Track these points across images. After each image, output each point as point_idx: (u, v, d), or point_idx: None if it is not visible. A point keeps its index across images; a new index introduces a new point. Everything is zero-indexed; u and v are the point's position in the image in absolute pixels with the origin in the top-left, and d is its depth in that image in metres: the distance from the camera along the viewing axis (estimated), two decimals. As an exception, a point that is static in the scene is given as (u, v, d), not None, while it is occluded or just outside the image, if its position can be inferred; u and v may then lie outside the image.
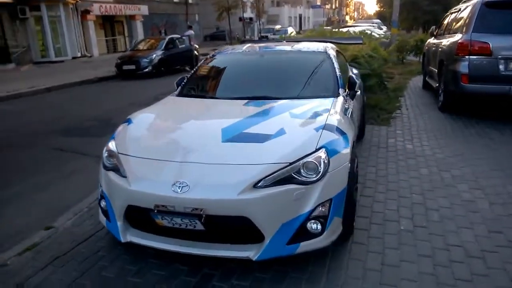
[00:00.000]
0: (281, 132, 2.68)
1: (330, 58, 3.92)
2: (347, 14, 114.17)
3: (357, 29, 12.79)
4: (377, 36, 10.56)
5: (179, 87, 4.01)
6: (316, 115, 2.95)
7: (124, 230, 2.60)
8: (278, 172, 2.35)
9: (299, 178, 2.36)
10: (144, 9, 28.84)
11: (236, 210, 2.31)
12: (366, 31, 11.43)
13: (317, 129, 2.67)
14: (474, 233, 2.88)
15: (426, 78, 8.67)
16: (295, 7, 64.23)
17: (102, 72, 15.03)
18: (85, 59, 20.92)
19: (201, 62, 4.47)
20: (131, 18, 28.39)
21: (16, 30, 18.46)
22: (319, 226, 2.40)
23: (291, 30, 31.40)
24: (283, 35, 17.09)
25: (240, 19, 38.42)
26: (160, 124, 3.25)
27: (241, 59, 4.34)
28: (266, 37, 28.23)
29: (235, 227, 2.38)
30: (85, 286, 2.49)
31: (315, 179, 2.37)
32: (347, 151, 2.63)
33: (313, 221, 2.39)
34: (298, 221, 2.34)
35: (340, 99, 3.38)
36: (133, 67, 14.04)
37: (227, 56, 4.43)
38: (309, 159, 2.41)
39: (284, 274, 2.49)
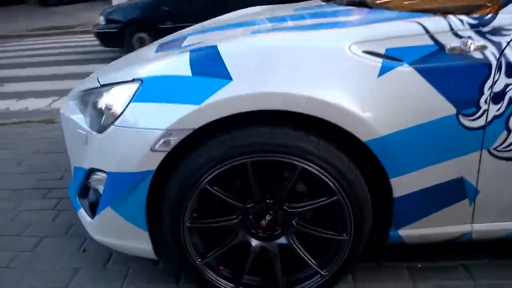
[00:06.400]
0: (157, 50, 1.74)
1: None
2: None
3: None
4: None
5: None
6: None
7: None
8: (90, 92, 1.49)
9: (96, 115, 1.41)
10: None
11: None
12: None
13: (184, 52, 1.37)
14: None
15: None
16: None
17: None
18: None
19: None
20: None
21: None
22: (90, 204, 1.50)
23: None
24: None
25: None
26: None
27: None
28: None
29: None
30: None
31: (97, 125, 1.38)
32: (192, 107, 1.21)
33: (91, 189, 1.48)
34: (81, 173, 1.47)
35: None
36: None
37: None
38: (112, 90, 1.38)
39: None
